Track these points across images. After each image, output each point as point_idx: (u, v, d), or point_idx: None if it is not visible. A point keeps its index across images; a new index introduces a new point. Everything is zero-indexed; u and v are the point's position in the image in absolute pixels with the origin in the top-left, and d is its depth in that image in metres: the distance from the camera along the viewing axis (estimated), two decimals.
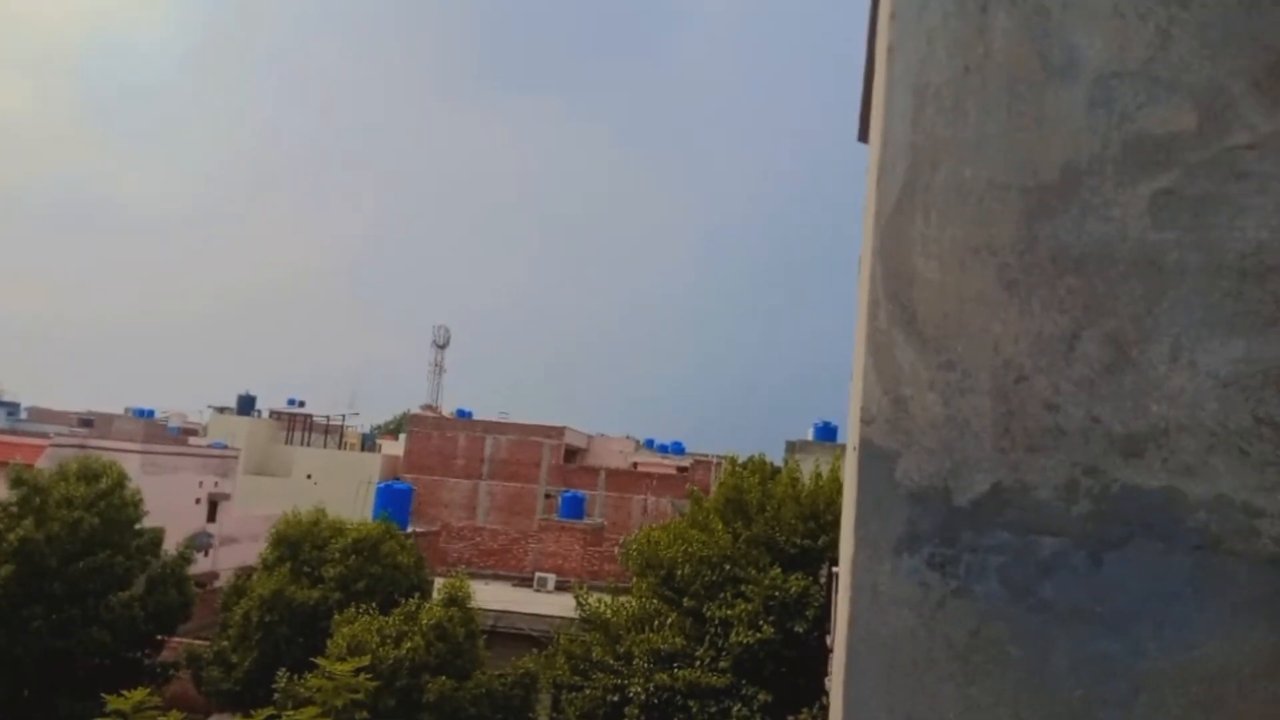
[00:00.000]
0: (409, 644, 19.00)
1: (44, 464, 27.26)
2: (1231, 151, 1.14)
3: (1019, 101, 1.16)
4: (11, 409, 48.10)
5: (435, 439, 52.62)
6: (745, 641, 16.90)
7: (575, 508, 42.62)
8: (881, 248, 1.20)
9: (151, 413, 56.74)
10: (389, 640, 19.00)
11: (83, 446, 32.09)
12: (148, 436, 39.17)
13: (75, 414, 51.05)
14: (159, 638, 23.49)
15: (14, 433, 37.45)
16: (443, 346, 69.94)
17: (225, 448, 44.53)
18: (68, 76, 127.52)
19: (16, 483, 22.11)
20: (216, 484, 40.12)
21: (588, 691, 18.03)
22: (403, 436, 57.06)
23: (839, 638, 1.17)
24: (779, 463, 21.06)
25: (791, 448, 28.49)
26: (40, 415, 49.73)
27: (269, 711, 14.26)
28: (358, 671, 15.51)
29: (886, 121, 1.22)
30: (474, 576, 25.72)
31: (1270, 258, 1.13)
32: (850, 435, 1.23)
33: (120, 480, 23.53)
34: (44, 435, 35.82)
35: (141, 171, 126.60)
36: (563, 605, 24.18)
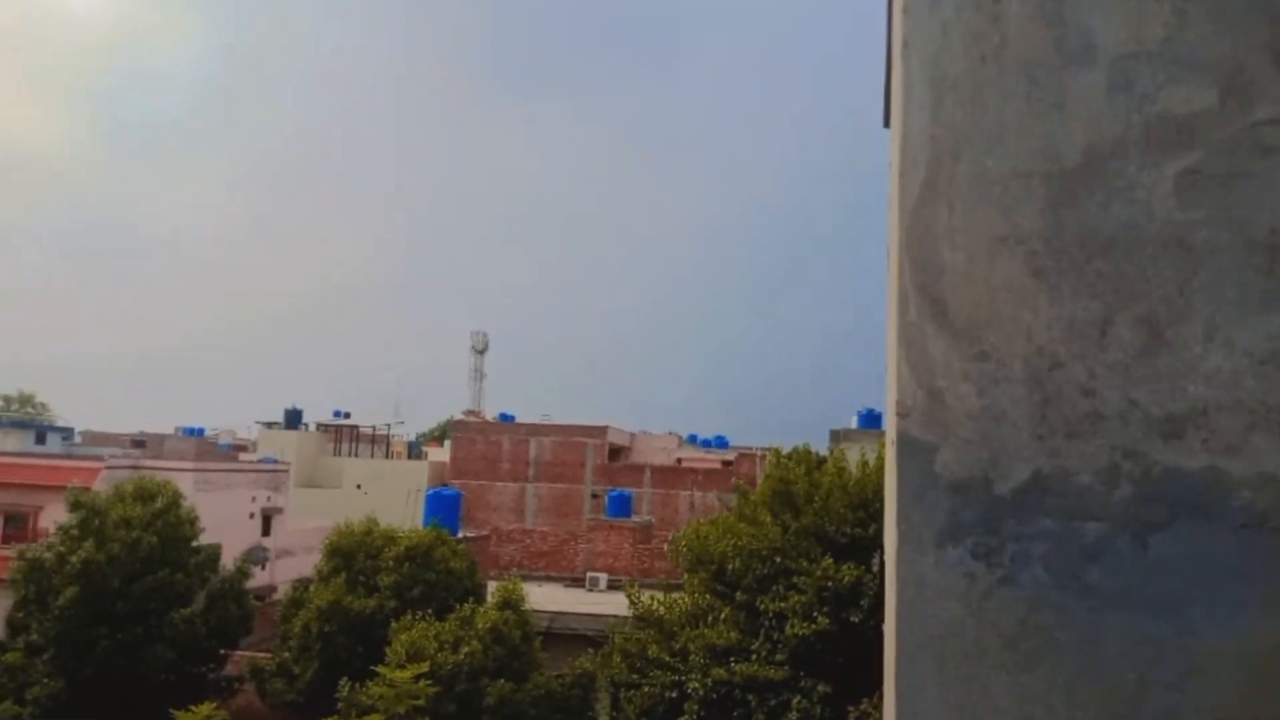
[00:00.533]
0: (466, 648, 19.20)
1: (100, 486, 27.84)
2: (1255, 127, 1.13)
3: (1037, 88, 1.16)
4: (66, 434, 49.20)
5: (480, 444, 53.03)
6: (800, 633, 16.84)
7: (622, 506, 42.75)
8: (908, 241, 1.20)
9: (201, 431, 57.68)
10: (446, 646, 19.20)
11: (137, 467, 32.73)
12: (199, 454, 39.88)
13: (127, 436, 52.05)
14: (222, 652, 23.91)
15: (69, 457, 38.28)
16: (481, 352, 70.40)
17: (275, 462, 45.20)
18: (97, 107, 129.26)
19: (75, 505, 22.63)
20: (269, 498, 40.74)
21: (646, 689, 18.07)
22: (448, 443, 57.52)
23: (888, 630, 1.18)
24: (824, 452, 20.97)
25: (836, 436, 28.32)
26: (93, 438, 50.79)
27: None
28: (417, 678, 15.72)
29: (905, 115, 1.22)
30: (526, 579, 25.91)
31: None
32: (888, 429, 1.24)
33: (175, 499, 23.99)
34: (98, 458, 36.54)
35: (171, 196, 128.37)
36: (616, 604, 24.27)
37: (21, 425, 49.27)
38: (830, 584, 16.97)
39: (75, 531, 22.23)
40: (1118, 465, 1.11)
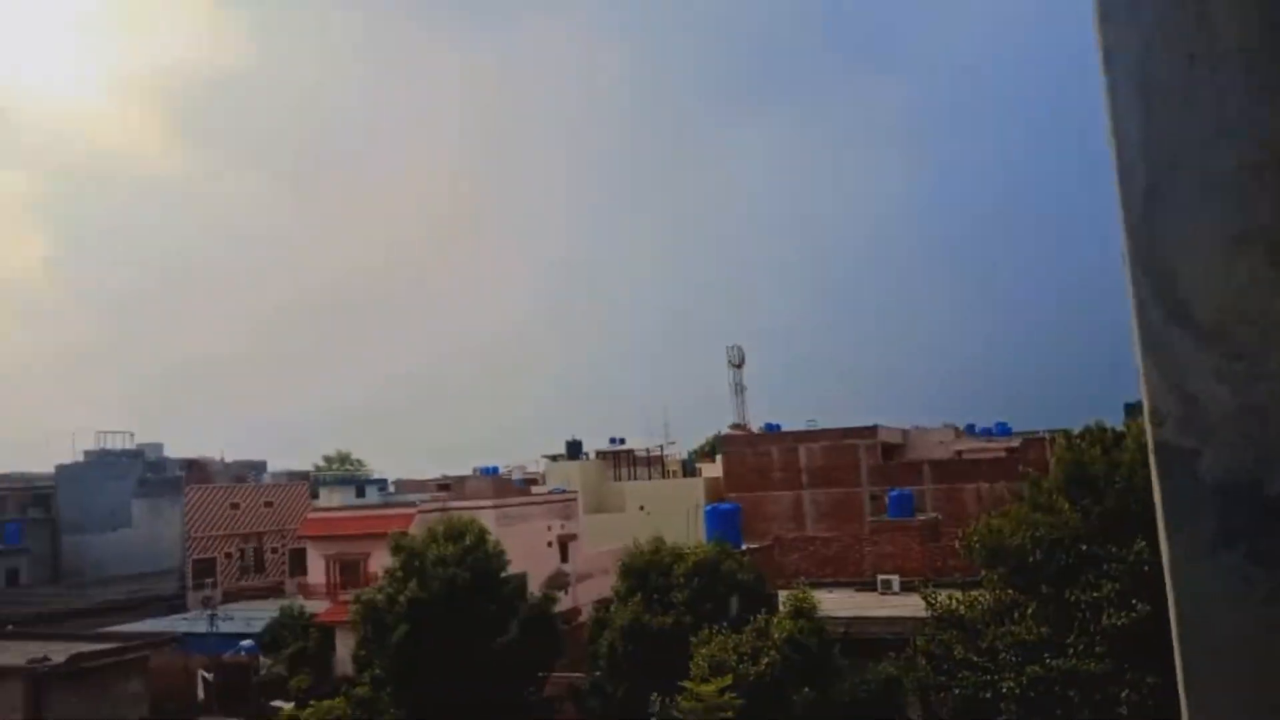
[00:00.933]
0: (766, 659, 19.39)
1: (415, 530, 30.59)
2: None
3: (1255, 78, 1.13)
4: (380, 484, 54.46)
5: (750, 456, 53.36)
6: (1118, 623, 15.72)
7: (904, 505, 41.54)
8: (1137, 249, 1.20)
9: (496, 469, 61.88)
10: (746, 657, 19.49)
11: (445, 509, 35.65)
12: (497, 491, 42.87)
13: (433, 480, 56.78)
14: (540, 675, 25.49)
15: (387, 506, 42.30)
16: (739, 365, 70.98)
17: (564, 491, 47.73)
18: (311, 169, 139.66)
19: (397, 549, 25.00)
20: (563, 526, 43.07)
21: (957, 691, 17.47)
22: (719, 458, 58.34)
23: (1175, 640, 1.19)
24: (1120, 428, 19.44)
25: (1132, 410, 26.16)
26: (404, 486, 55.87)
27: None
28: (722, 691, 16.06)
29: (1117, 125, 1.22)
30: (814, 586, 25.79)
31: None
32: (1147, 438, 1.23)
33: (481, 535, 25.93)
34: (411, 504, 40.11)
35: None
36: (911, 606, 23.65)
37: (343, 482, 54.95)
38: (1147, 568, 15.73)
39: (400, 573, 24.51)
40: None
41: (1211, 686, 1.13)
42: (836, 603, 27.99)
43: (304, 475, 65.38)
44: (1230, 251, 1.14)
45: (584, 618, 32.65)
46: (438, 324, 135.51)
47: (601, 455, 65.29)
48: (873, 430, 52.02)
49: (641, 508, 53.18)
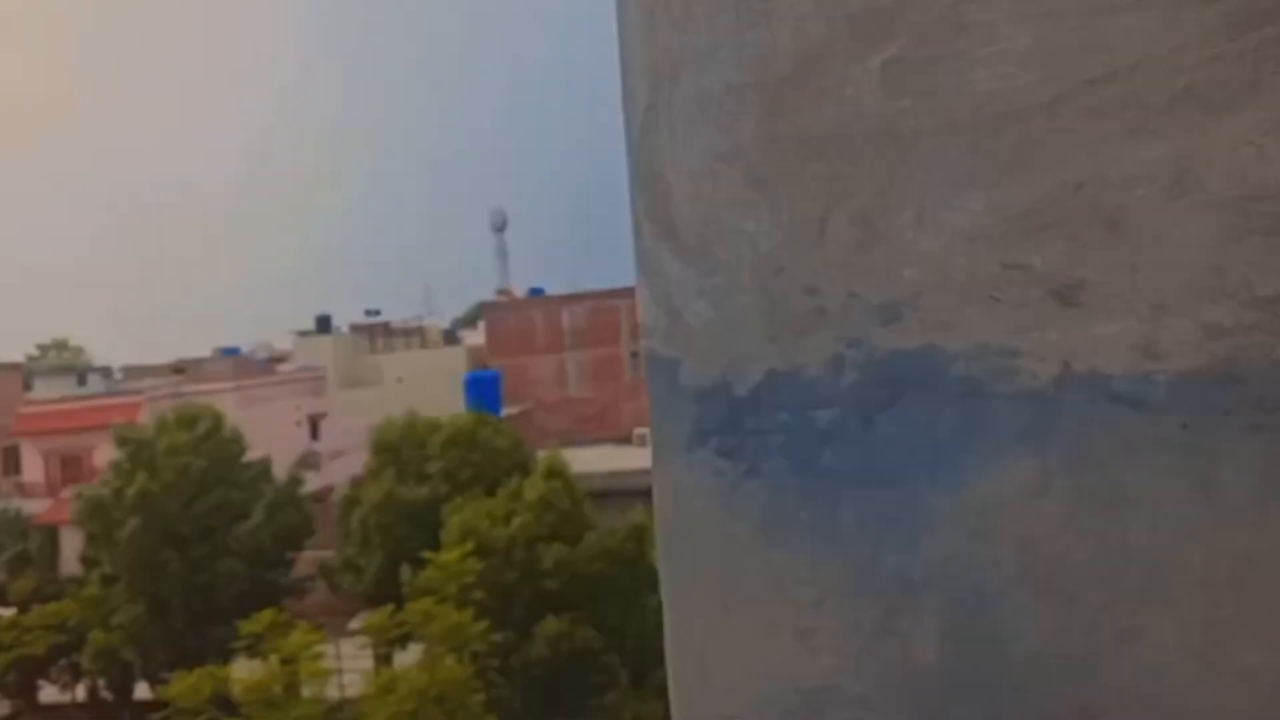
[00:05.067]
0: (518, 520, 19.97)
1: (144, 419, 28.71)
2: (955, 6, 1.15)
3: (745, 1, 1.18)
4: (105, 372, 50.27)
5: (512, 321, 53.40)
6: None
7: None
8: (635, 169, 1.25)
9: (238, 350, 58.53)
10: (499, 520, 19.99)
11: (177, 395, 33.59)
12: (238, 372, 40.82)
13: (166, 365, 53.08)
14: (289, 556, 25.08)
15: (111, 395, 39.28)
16: (500, 230, 70.09)
17: (312, 369, 46.04)
18: None
19: (122, 441, 23.46)
20: (313, 404, 41.74)
21: None
22: (482, 325, 58.01)
23: (657, 524, 1.31)
24: None
25: None
26: (134, 372, 51.86)
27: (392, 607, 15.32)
28: (465, 557, 16.46)
29: (624, 43, 1.25)
30: (575, 444, 26.61)
31: (1002, 105, 1.15)
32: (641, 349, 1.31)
33: (217, 421, 24.74)
34: (138, 392, 37.48)
35: None
36: None
37: (62, 371, 50.37)
38: None
39: (127, 466, 23.10)
40: (843, 355, 1.18)
41: (683, 565, 1.25)
42: (596, 457, 29.09)
43: (14, 365, 59.16)
44: (715, 171, 1.20)
45: (337, 495, 32.14)
46: (148, 164, 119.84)
47: (356, 329, 63.19)
48: (632, 290, 53.12)
49: (399, 379, 52.15)
